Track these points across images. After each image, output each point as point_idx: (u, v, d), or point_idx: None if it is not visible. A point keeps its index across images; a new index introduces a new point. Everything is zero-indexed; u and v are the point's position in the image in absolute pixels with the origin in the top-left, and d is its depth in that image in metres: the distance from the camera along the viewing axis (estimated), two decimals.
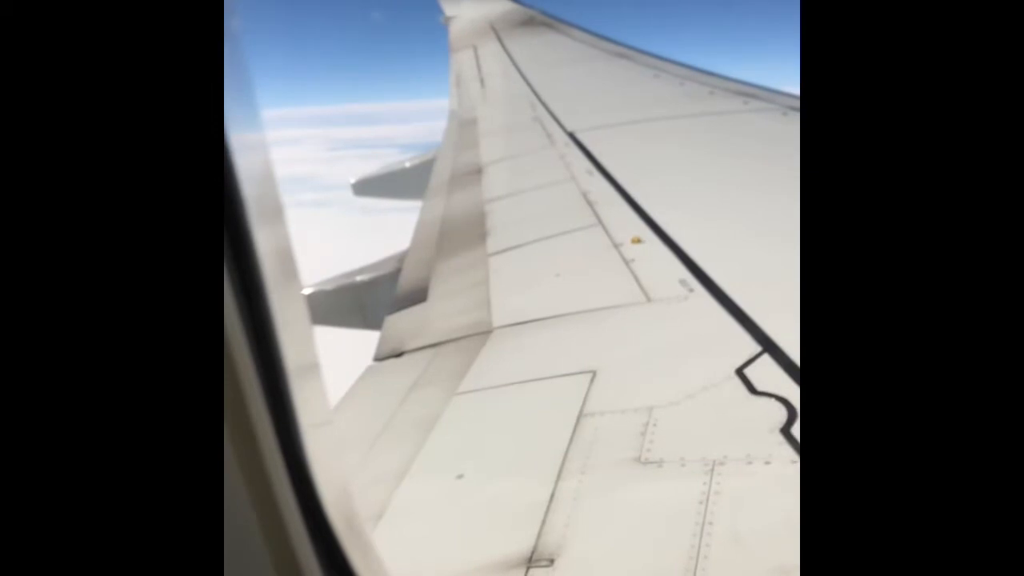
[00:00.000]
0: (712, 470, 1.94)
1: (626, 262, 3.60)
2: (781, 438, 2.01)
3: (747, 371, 2.38)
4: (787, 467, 1.89)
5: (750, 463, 1.94)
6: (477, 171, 6.54)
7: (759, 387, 2.28)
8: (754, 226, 3.88)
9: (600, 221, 4.30)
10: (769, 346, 2.51)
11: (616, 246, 3.84)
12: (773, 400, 2.19)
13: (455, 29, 15.20)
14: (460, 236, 4.94)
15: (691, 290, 3.11)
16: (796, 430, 2.02)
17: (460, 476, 2.24)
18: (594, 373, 2.62)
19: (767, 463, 1.92)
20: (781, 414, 2.11)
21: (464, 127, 8.72)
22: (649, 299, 3.16)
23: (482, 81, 11.18)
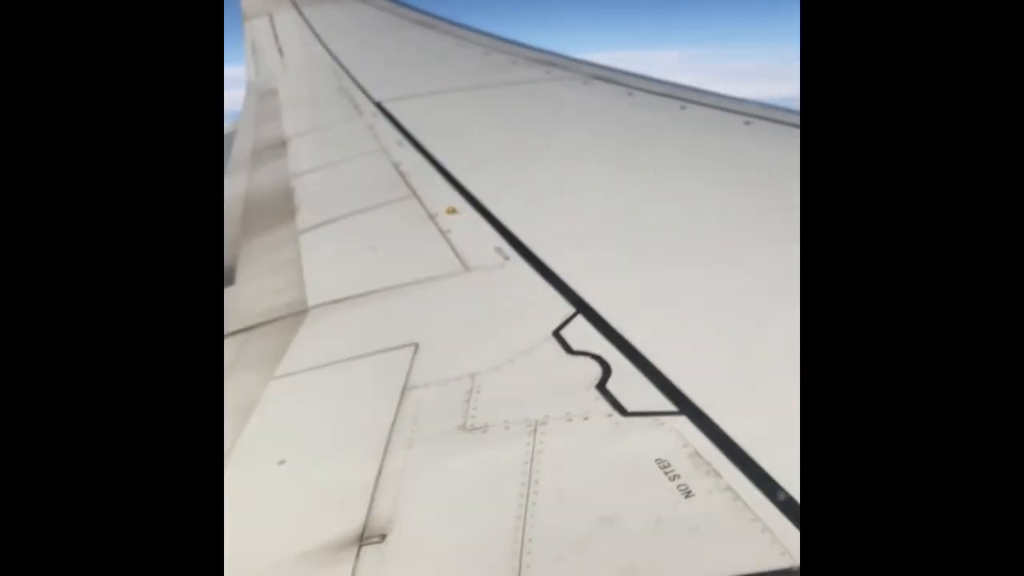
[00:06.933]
0: (535, 430, 2.00)
1: (442, 233, 3.60)
2: (597, 394, 2.11)
3: (563, 332, 2.47)
4: (604, 421, 1.99)
5: (570, 420, 2.02)
6: (281, 144, 6.25)
7: (575, 347, 2.38)
8: (563, 192, 4.01)
9: (414, 192, 4.27)
10: (582, 307, 2.61)
11: (431, 217, 3.83)
12: (588, 358, 2.29)
13: None
14: (267, 213, 4.71)
15: (507, 258, 3.17)
16: (611, 385, 2.13)
17: (282, 462, 2.16)
18: (416, 345, 2.61)
19: (586, 419, 2.01)
20: (596, 371, 2.21)
21: (264, 98, 8.29)
22: (467, 268, 3.18)
23: (280, 50, 10.66)
